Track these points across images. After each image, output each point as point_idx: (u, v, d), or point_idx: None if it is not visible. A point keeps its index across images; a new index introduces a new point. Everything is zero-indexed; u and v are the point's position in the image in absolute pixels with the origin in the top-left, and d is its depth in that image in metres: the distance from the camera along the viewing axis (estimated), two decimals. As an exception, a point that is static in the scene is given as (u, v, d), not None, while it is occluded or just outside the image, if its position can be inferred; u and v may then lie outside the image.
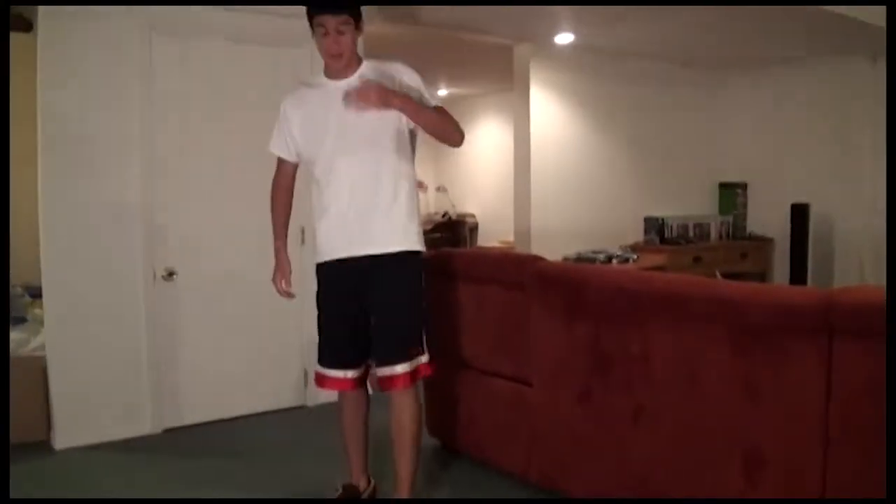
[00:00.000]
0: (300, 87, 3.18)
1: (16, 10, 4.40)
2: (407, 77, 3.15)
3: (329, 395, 5.08)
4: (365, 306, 3.14)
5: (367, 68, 3.11)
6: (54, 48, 4.16)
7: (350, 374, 3.25)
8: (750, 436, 2.65)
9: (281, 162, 3.25)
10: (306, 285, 4.99)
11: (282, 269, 3.35)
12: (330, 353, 3.24)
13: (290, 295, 3.37)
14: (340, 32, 2.98)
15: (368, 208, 3.05)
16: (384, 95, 2.93)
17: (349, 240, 3.08)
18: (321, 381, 3.28)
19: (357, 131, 3.02)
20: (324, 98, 3.07)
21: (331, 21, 2.95)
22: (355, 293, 3.13)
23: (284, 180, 3.30)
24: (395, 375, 3.12)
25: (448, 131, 3.15)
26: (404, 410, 3.17)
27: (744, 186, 8.30)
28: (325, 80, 3.11)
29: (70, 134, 4.23)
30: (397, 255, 3.08)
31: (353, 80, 3.05)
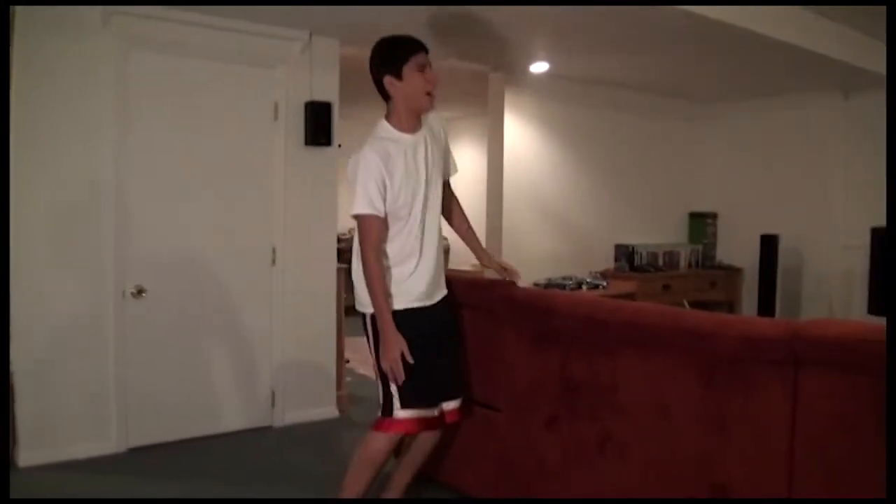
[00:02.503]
0: (380, 142, 3.08)
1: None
2: (445, 135, 3.36)
3: (298, 416, 5.10)
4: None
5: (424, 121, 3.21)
6: (29, 60, 4.12)
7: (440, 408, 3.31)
8: (717, 465, 2.66)
9: (376, 221, 3.05)
10: (277, 306, 5.02)
11: (400, 341, 3.08)
12: (431, 391, 3.23)
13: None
14: (431, 67, 3.14)
15: (441, 255, 3.26)
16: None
17: (437, 285, 3.25)
18: (416, 424, 3.20)
19: (436, 185, 3.22)
20: (410, 152, 3.12)
21: (426, 57, 3.12)
22: (439, 334, 3.26)
23: (381, 242, 3.12)
24: (459, 408, 3.37)
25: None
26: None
27: (714, 216, 8.39)
28: (399, 133, 3.12)
29: (41, 146, 4.20)
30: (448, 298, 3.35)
31: (423, 133, 3.17)
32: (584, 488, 3.13)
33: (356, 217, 3.06)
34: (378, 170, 3.01)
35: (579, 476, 3.16)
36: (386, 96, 3.14)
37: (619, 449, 2.99)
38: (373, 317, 3.16)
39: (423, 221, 3.16)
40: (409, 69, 3.07)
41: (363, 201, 3.02)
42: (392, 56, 3.08)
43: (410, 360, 3.05)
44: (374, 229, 3.06)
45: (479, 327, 3.58)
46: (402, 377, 3.04)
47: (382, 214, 3.05)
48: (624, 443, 2.98)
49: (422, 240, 3.17)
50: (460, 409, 3.38)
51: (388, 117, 3.14)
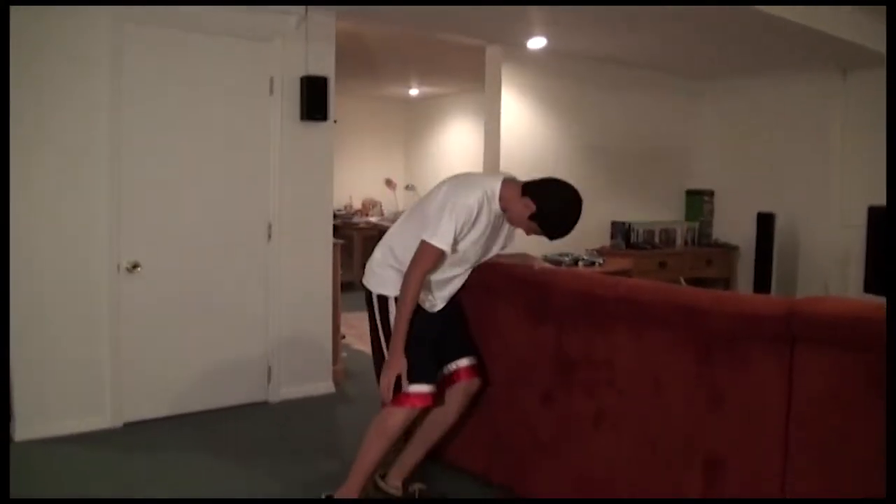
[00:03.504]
0: (486, 199, 3.21)
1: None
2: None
3: (294, 392, 5.11)
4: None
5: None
6: (25, 34, 4.07)
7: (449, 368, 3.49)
8: (711, 441, 2.67)
9: (440, 255, 3.19)
10: (273, 282, 5.01)
11: (403, 365, 3.21)
12: (431, 368, 3.35)
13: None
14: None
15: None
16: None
17: (447, 300, 3.45)
18: (431, 397, 3.30)
19: (494, 250, 3.47)
20: (496, 220, 3.31)
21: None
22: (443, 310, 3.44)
23: (432, 271, 3.29)
24: (473, 369, 3.51)
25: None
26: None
27: (710, 194, 8.38)
28: (498, 205, 3.26)
29: (35, 121, 4.17)
30: None
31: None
32: (577, 462, 3.15)
33: (427, 242, 3.14)
34: (471, 216, 3.15)
35: (573, 450, 3.17)
36: (518, 197, 3.23)
37: (613, 423, 3.00)
38: (380, 297, 3.31)
39: (467, 262, 3.36)
40: (535, 228, 3.24)
41: (445, 237, 3.12)
42: (547, 220, 3.21)
43: (406, 385, 3.19)
44: (434, 260, 3.19)
45: (475, 303, 3.58)
46: (388, 398, 3.20)
47: (449, 252, 3.19)
48: (618, 417, 2.98)
49: (460, 269, 3.36)
50: (474, 371, 3.46)
51: (503, 194, 3.24)
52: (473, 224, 3.17)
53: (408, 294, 3.15)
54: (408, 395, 3.22)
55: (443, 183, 3.30)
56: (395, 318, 3.20)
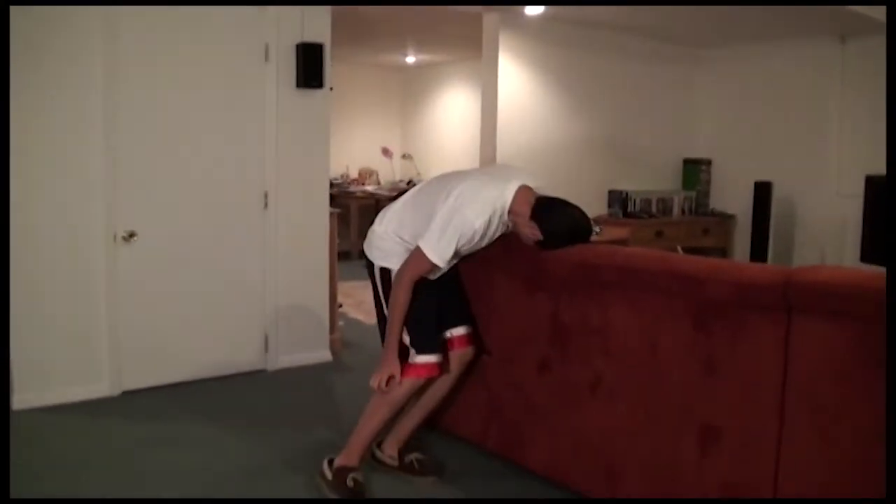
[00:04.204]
0: (498, 211, 3.14)
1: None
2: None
3: (292, 360, 5.13)
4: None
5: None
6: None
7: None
8: (707, 409, 2.68)
9: (433, 266, 3.17)
10: (270, 251, 5.01)
11: (395, 367, 3.25)
12: (437, 338, 3.38)
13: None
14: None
15: None
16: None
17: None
18: (437, 367, 3.33)
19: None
20: (499, 222, 3.20)
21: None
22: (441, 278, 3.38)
23: (422, 278, 3.25)
24: (468, 337, 3.52)
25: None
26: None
27: (708, 163, 8.37)
28: (506, 213, 3.18)
29: (30, 90, 4.13)
30: None
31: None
32: (573, 429, 3.17)
33: (423, 253, 3.12)
34: (474, 236, 3.12)
35: (569, 417, 3.19)
36: (527, 219, 3.15)
37: (609, 391, 3.02)
38: (383, 270, 3.35)
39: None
40: (532, 223, 3.12)
41: (443, 253, 3.11)
42: (552, 224, 3.12)
43: (413, 356, 3.25)
44: (424, 268, 3.17)
45: (472, 273, 3.58)
46: (383, 390, 3.22)
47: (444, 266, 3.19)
48: (614, 385, 3.00)
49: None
50: (469, 339, 3.48)
51: (514, 208, 3.15)
52: (475, 239, 3.14)
53: (398, 298, 3.18)
54: (415, 365, 3.25)
55: (459, 178, 3.26)
56: (388, 320, 3.24)
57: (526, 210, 3.11)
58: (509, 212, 3.16)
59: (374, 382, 3.20)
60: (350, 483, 3.24)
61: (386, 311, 3.31)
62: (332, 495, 3.25)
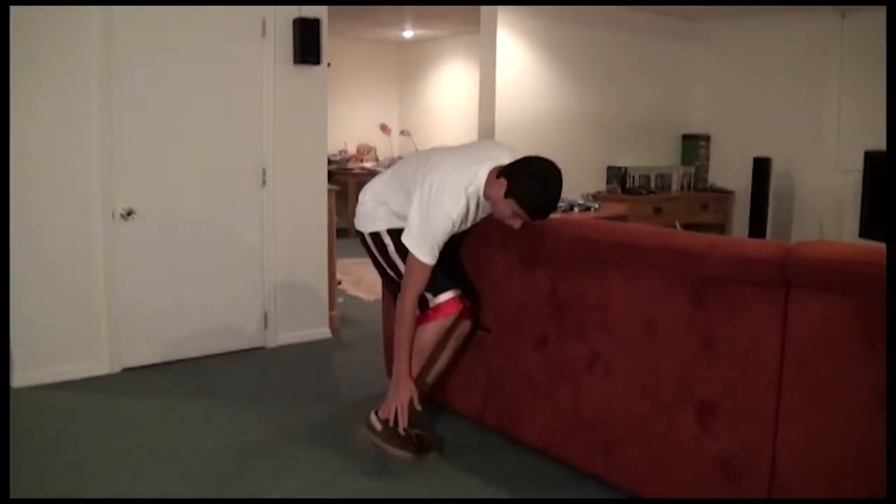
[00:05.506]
0: (474, 193, 3.17)
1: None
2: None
3: (291, 337, 5.14)
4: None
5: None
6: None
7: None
8: (704, 384, 2.69)
9: (427, 270, 3.21)
10: (268, 228, 5.01)
11: (412, 389, 3.31)
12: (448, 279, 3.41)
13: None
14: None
15: None
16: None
17: None
18: (458, 300, 3.37)
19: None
20: (475, 206, 3.23)
21: (529, 219, 3.14)
22: None
23: (423, 289, 3.29)
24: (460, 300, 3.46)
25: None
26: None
27: (707, 138, 8.36)
28: (482, 196, 3.21)
29: (27, 70, 4.10)
30: None
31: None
32: (571, 404, 3.18)
33: (415, 258, 3.18)
34: (454, 225, 3.15)
35: (566, 392, 3.19)
36: (494, 179, 3.14)
37: (607, 367, 3.02)
38: (373, 235, 3.45)
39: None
40: (513, 205, 3.07)
41: (429, 250, 3.16)
42: (523, 194, 3.05)
43: (418, 406, 3.30)
44: (422, 276, 3.22)
45: (471, 248, 3.58)
46: (405, 421, 3.26)
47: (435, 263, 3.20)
48: (612, 361, 3.00)
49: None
50: (467, 313, 3.47)
51: (489, 183, 3.15)
52: (457, 225, 3.17)
53: (403, 326, 3.26)
54: (438, 306, 3.31)
55: (438, 158, 3.29)
56: (396, 343, 3.29)
57: (498, 190, 3.09)
58: (485, 196, 3.17)
59: (397, 409, 3.24)
60: (416, 440, 3.36)
61: (390, 272, 3.43)
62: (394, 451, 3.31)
